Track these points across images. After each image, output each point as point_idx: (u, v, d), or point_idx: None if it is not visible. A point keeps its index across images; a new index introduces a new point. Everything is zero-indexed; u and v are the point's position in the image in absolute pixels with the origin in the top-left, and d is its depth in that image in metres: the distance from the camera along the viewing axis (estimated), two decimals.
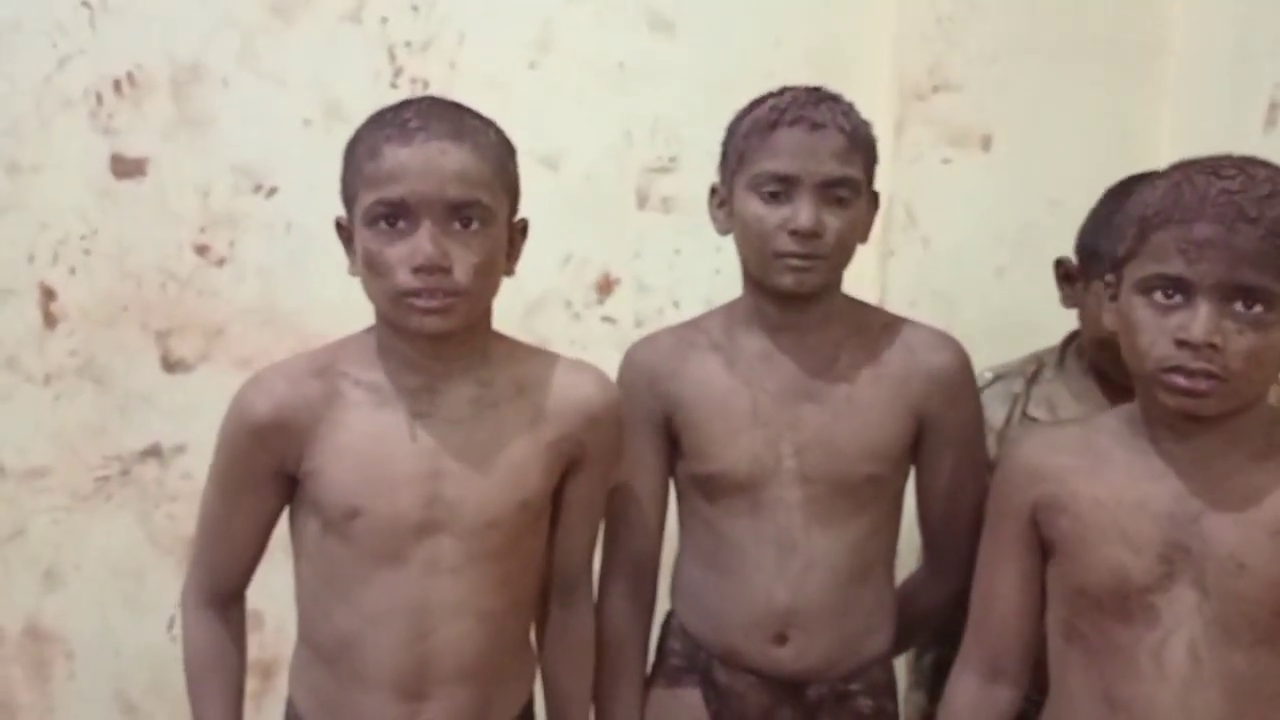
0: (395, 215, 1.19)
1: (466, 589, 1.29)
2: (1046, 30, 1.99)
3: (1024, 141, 2.01)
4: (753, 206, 1.39)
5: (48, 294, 2.04)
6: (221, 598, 1.37)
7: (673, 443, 1.51)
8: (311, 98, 2.01)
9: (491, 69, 2.04)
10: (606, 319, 2.11)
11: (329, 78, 2.01)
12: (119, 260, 2.03)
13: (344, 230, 1.27)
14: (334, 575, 1.29)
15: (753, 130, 1.40)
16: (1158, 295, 1.13)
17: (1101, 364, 1.58)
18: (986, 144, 2.01)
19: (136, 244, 2.03)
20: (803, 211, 1.35)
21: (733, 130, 1.44)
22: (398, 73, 2.03)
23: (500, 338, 1.36)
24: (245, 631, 1.40)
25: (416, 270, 1.19)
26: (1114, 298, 1.21)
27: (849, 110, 1.41)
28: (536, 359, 1.37)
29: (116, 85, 1.99)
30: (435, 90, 2.02)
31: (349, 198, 1.24)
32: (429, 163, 1.18)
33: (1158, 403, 1.16)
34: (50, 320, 2.04)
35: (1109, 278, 1.23)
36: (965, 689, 1.35)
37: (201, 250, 2.04)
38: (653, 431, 1.49)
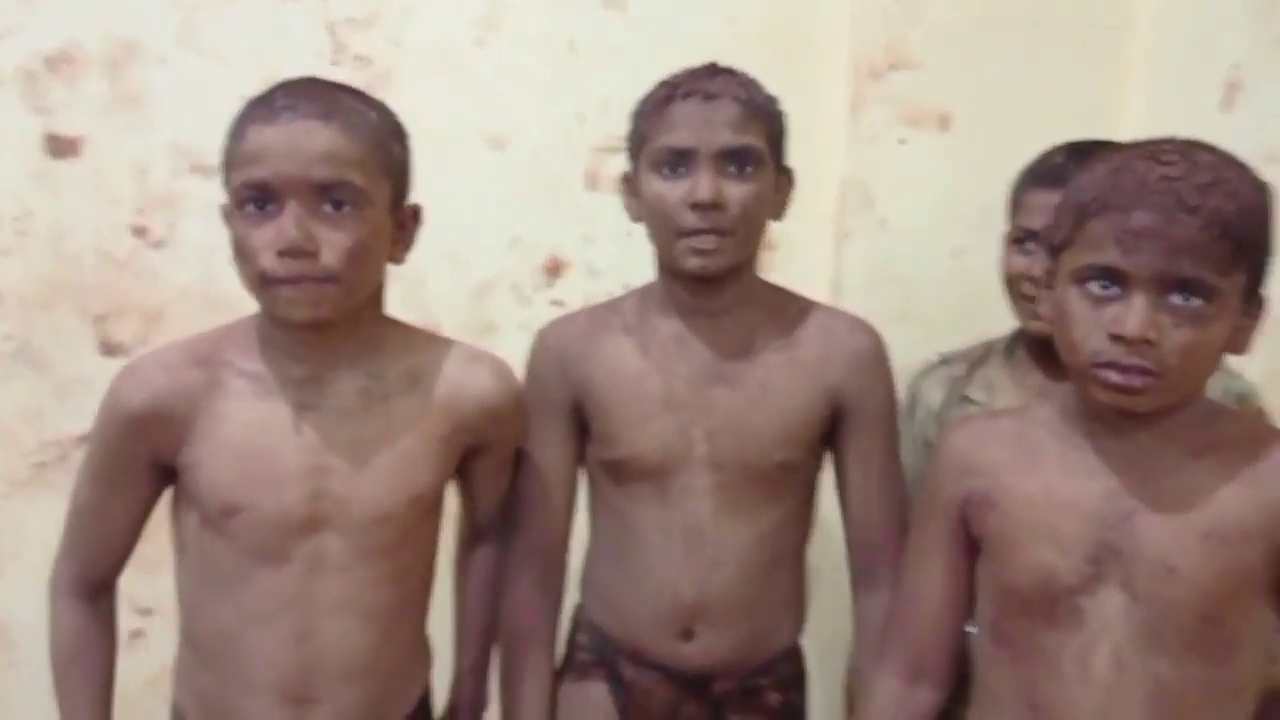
0: (262, 198, 1.15)
1: (353, 586, 1.24)
2: (1006, 7, 1.93)
3: (983, 121, 1.95)
4: (654, 185, 1.36)
5: None
6: (92, 587, 1.33)
7: (583, 427, 1.46)
8: (251, 75, 1.90)
9: (437, 46, 1.99)
10: (555, 302, 2.05)
11: (269, 55, 1.96)
12: (55, 242, 1.98)
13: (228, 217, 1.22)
14: (214, 572, 1.25)
15: (650, 110, 1.37)
16: (1093, 286, 1.09)
17: (1015, 308, 1.54)
18: (944, 123, 1.96)
19: (73, 226, 1.98)
20: (702, 183, 1.31)
21: (634, 115, 1.40)
22: (339, 49, 1.97)
23: (396, 325, 1.31)
24: (115, 621, 1.36)
25: (280, 254, 1.14)
26: (1050, 285, 1.17)
27: (747, 82, 1.37)
28: (433, 348, 1.31)
29: (50, 63, 1.94)
30: (379, 68, 1.98)
31: (225, 181, 1.20)
32: (294, 143, 1.14)
33: (1092, 397, 1.12)
34: None
35: (1047, 264, 1.18)
36: (885, 690, 1.30)
37: (139, 232, 1.99)
38: (562, 415, 1.45)
